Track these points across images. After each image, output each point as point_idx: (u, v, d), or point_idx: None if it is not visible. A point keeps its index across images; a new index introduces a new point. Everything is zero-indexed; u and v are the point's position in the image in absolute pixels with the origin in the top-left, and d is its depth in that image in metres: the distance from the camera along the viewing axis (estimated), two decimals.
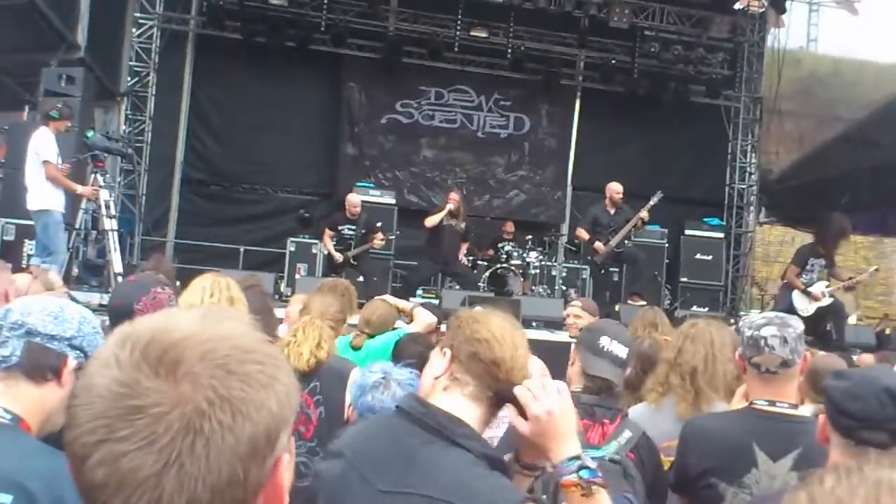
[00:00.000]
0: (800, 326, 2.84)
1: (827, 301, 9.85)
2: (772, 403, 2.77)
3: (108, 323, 2.97)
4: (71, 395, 0.90)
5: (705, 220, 14.25)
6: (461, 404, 1.94)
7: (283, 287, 11.49)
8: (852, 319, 12.10)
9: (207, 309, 0.98)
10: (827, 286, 10.00)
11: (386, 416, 2.02)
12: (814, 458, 2.51)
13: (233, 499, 0.86)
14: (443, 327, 6.03)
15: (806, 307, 9.72)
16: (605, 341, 3.06)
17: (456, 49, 14.39)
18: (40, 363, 1.85)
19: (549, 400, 1.87)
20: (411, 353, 4.37)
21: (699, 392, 3.33)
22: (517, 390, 1.89)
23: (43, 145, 8.00)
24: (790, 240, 15.88)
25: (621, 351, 3.08)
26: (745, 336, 2.86)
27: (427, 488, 1.77)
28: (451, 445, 1.85)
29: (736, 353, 3.00)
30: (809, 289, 9.86)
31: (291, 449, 0.95)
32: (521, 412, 1.89)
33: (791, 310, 9.23)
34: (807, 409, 2.77)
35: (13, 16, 9.03)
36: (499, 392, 1.95)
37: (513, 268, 12.25)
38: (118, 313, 2.92)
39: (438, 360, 2.03)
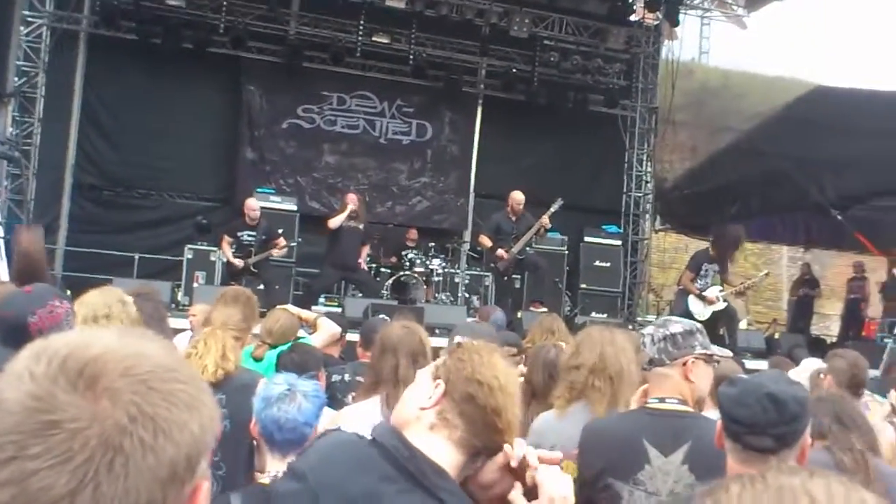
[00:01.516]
0: (676, 328, 2.90)
1: (721, 305, 10.19)
2: (661, 401, 2.84)
3: None
4: None
5: (604, 227, 14.56)
6: (445, 450, 1.75)
7: (180, 296, 11.18)
8: (743, 324, 12.57)
9: (125, 329, 0.94)
10: (720, 290, 10.35)
11: (359, 444, 1.80)
12: (703, 451, 2.59)
13: None
14: (350, 336, 6.01)
15: (702, 311, 10.04)
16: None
17: (358, 54, 14.31)
18: None
19: (565, 486, 1.71)
20: (290, 363, 4.27)
21: (603, 391, 3.33)
22: (540, 475, 1.69)
23: None
24: (684, 247, 16.43)
25: None
26: (644, 339, 2.97)
27: None
28: (431, 499, 1.67)
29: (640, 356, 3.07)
30: (704, 293, 10.19)
31: (209, 477, 0.91)
32: (520, 478, 1.72)
33: (687, 314, 9.51)
34: (713, 414, 2.84)
35: None
36: (487, 445, 1.77)
37: (416, 275, 12.25)
38: (10, 325, 2.78)
39: (426, 390, 1.84)
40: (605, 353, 3.34)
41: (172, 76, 13.38)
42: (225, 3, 13.46)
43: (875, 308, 14.75)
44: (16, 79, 12.67)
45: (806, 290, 15.55)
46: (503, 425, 1.77)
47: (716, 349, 3.05)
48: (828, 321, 17.25)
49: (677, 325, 2.95)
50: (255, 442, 3.36)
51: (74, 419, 0.79)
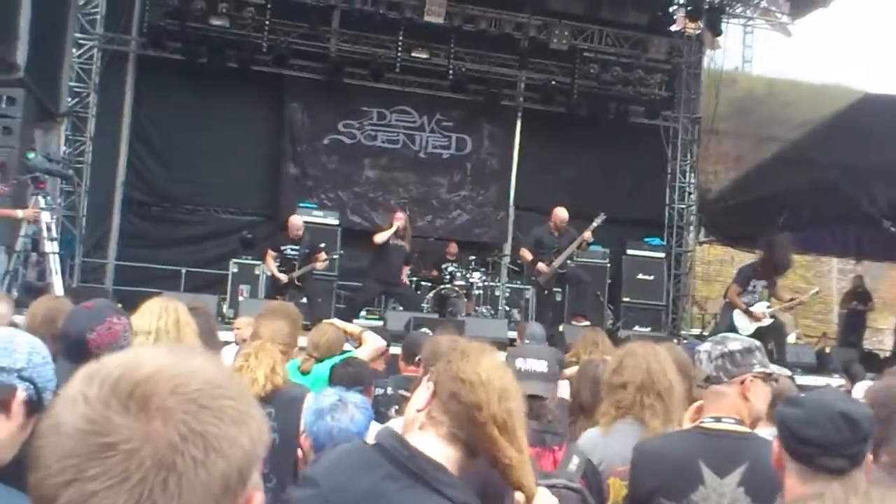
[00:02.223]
0: (735, 346, 2.85)
1: (768, 321, 9.98)
2: (717, 420, 2.79)
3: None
4: (36, 435, 0.87)
5: (646, 239, 14.38)
6: (437, 447, 1.84)
7: (225, 309, 11.37)
8: (791, 338, 12.28)
9: (173, 346, 0.97)
10: (768, 306, 10.12)
11: (364, 448, 1.91)
12: (760, 473, 2.54)
13: None
14: (392, 350, 6.06)
15: (747, 326, 9.83)
16: (520, 363, 3.12)
17: (397, 70, 14.44)
18: None
19: None
20: (345, 376, 4.36)
21: (654, 409, 3.28)
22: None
23: None
24: (729, 259, 16.16)
25: (539, 365, 3.12)
26: (701, 357, 2.92)
27: None
28: (432, 492, 1.76)
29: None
30: (751, 308, 9.98)
31: (261, 487, 0.93)
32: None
33: (732, 329, 9.33)
34: (766, 432, 2.80)
35: None
36: (474, 439, 1.84)
37: (456, 288, 12.28)
38: (71, 341, 2.87)
39: (422, 394, 1.93)
40: (651, 369, 3.30)
41: (217, 94, 13.65)
42: (267, 22, 13.68)
43: None
44: (69, 99, 13.01)
45: (857, 303, 15.09)
46: (484, 419, 1.83)
47: (774, 367, 3.00)
48: (881, 335, 16.77)
49: (736, 342, 2.90)
50: (301, 454, 3.43)
51: (128, 440, 0.82)
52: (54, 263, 8.36)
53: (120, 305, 3.43)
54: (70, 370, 2.20)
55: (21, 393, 1.84)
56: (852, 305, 15.22)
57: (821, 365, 10.57)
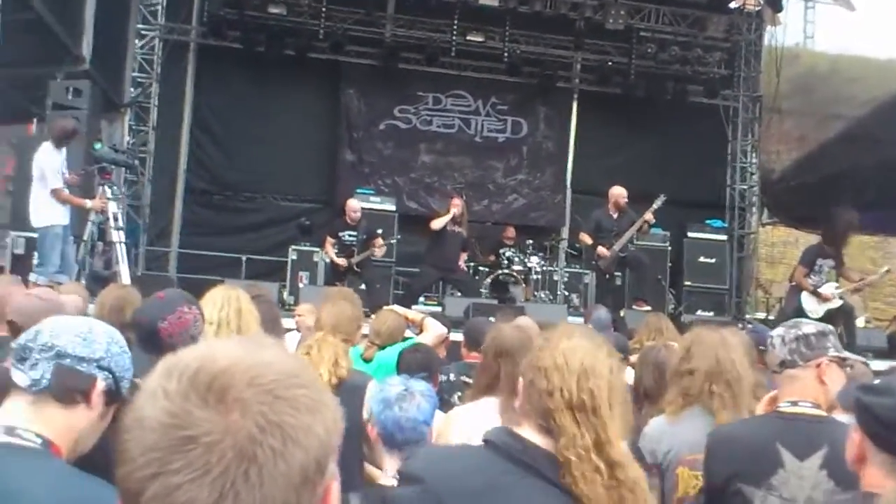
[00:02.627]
0: (809, 329, 2.83)
1: (837, 302, 9.70)
2: (794, 404, 2.76)
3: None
4: (121, 429, 0.89)
5: (708, 222, 14.16)
6: (535, 438, 1.85)
7: (286, 296, 11.51)
8: (860, 322, 11.88)
9: (245, 338, 0.98)
10: (837, 287, 9.85)
11: (472, 448, 1.93)
12: (842, 456, 2.42)
13: None
14: (451, 336, 6.07)
15: (815, 309, 9.57)
16: None
17: (452, 54, 14.41)
18: (70, 386, 1.84)
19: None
20: (415, 363, 4.37)
21: (722, 396, 3.22)
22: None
23: (46, 165, 8.01)
24: (794, 241, 15.79)
25: None
26: (773, 339, 2.90)
27: None
28: (548, 484, 1.78)
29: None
30: (819, 290, 9.72)
31: (338, 476, 0.94)
32: None
33: (800, 312, 9.12)
34: (844, 418, 2.70)
35: (20, 30, 9.02)
36: (552, 427, 1.84)
37: (514, 274, 12.24)
38: (144, 330, 2.95)
39: (519, 387, 1.96)
40: (719, 357, 3.23)
41: (275, 82, 13.78)
42: (324, 9, 13.77)
43: None
44: (132, 90, 13.28)
45: None
46: (555, 405, 1.83)
47: (847, 353, 2.94)
48: None
49: (810, 325, 2.87)
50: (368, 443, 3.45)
51: (208, 433, 0.83)
52: (121, 252, 8.53)
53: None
54: (144, 359, 2.24)
55: (101, 383, 1.87)
56: None
57: (892, 349, 10.27)
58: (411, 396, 2.90)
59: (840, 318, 9.54)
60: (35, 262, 8.30)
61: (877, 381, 2.23)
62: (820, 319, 8.83)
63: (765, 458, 2.71)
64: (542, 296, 12.28)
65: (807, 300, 9.72)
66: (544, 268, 12.60)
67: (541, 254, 12.82)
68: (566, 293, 12.65)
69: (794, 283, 10.16)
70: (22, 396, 1.82)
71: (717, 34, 14.76)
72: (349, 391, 3.71)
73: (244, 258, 12.99)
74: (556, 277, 12.74)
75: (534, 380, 1.88)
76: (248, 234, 13.83)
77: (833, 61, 16.33)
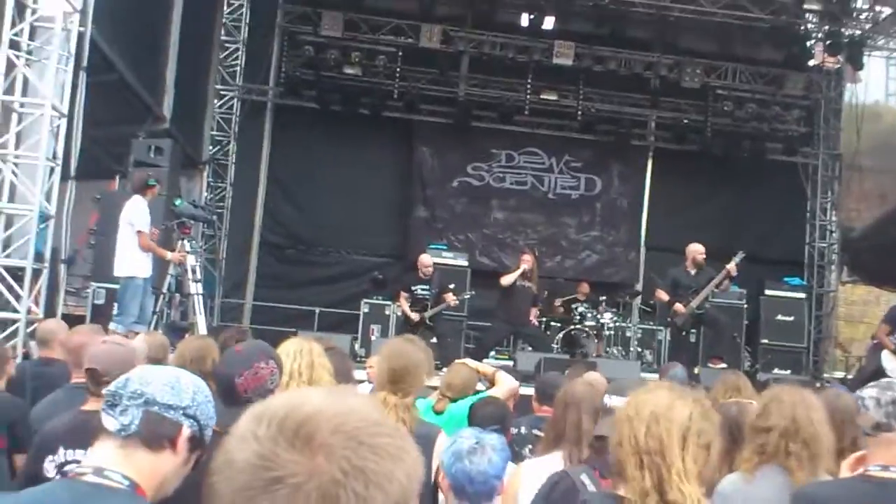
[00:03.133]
0: None
1: None
2: (885, 468, 2.65)
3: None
4: (211, 471, 0.93)
5: (786, 279, 13.84)
6: None
7: (357, 348, 11.57)
8: None
9: (330, 388, 1.01)
10: None
11: None
12: None
13: None
14: (523, 391, 6.00)
15: (893, 366, 9.28)
16: (606, 399, 3.10)
17: (526, 112, 14.56)
18: (158, 432, 1.89)
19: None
20: (488, 416, 4.33)
21: (799, 456, 3.12)
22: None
23: (136, 214, 8.25)
24: (874, 299, 15.38)
25: (619, 402, 3.06)
26: (867, 401, 2.80)
27: None
28: None
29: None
30: None
31: None
32: None
33: (880, 371, 8.83)
34: None
35: (104, 91, 9.43)
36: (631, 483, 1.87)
37: (586, 329, 12.12)
38: (222, 383, 3.03)
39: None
40: (797, 415, 3.13)
41: (350, 140, 14.10)
42: (398, 69, 14.08)
43: None
44: (210, 147, 13.76)
45: None
46: (623, 455, 1.87)
47: None
48: None
49: None
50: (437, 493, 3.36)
51: (294, 475, 0.86)
52: (198, 304, 8.74)
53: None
54: (223, 410, 2.29)
55: (186, 430, 1.92)
56: None
57: None
58: (482, 450, 2.89)
59: None
60: (115, 312, 8.52)
61: None
62: None
63: None
64: (615, 352, 12.11)
65: (888, 359, 9.39)
66: (617, 324, 12.46)
67: (614, 310, 12.71)
68: (639, 349, 12.45)
69: (875, 342, 9.82)
70: (111, 440, 1.88)
71: (795, 92, 14.60)
72: (417, 442, 3.67)
73: (317, 310, 13.18)
74: (628, 334, 12.59)
75: (612, 436, 1.90)
76: (320, 287, 14.07)
77: None
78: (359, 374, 6.86)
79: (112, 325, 7.96)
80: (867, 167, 14.63)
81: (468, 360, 5.78)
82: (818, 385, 7.90)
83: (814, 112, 15.09)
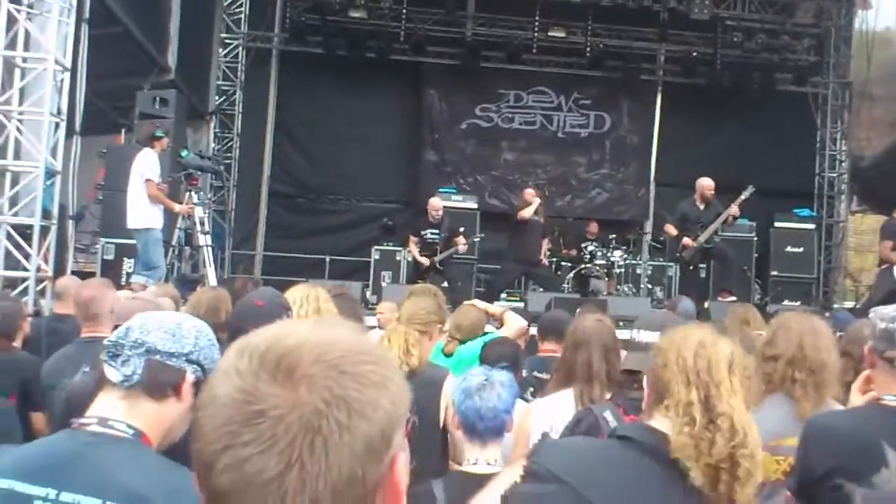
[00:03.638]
0: None
1: None
2: None
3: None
4: (195, 407, 0.94)
5: (795, 211, 13.80)
6: (666, 428, 1.83)
7: (369, 295, 11.65)
8: None
9: (316, 319, 1.02)
10: None
11: (614, 444, 1.87)
12: None
13: (353, 497, 0.88)
14: (532, 330, 6.04)
15: None
16: (633, 333, 3.15)
17: (534, 51, 14.40)
18: (161, 380, 1.90)
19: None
20: (499, 355, 4.34)
21: (804, 384, 3.09)
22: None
23: (147, 166, 8.26)
24: None
25: (648, 337, 3.09)
26: (877, 328, 2.69)
27: None
28: (687, 482, 1.73)
29: (865, 346, 2.81)
30: None
31: (406, 448, 0.96)
32: None
33: (893, 291, 8.65)
34: None
35: (109, 43, 9.36)
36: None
37: (597, 268, 12.16)
38: (236, 335, 3.00)
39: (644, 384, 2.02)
40: (804, 343, 3.10)
41: (357, 85, 14.01)
42: (404, 11, 13.93)
43: None
44: (216, 98, 13.70)
45: None
46: (670, 375, 1.84)
47: None
48: None
49: None
50: (446, 435, 3.43)
51: (276, 407, 0.86)
52: (208, 256, 8.79)
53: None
54: None
55: (190, 376, 1.93)
56: None
57: None
58: (491, 386, 2.91)
59: None
60: (138, 265, 8.53)
61: None
62: None
63: (868, 454, 2.54)
64: (626, 289, 12.15)
65: None
66: (627, 261, 12.49)
67: (624, 248, 12.75)
68: (650, 286, 12.47)
69: (884, 266, 9.57)
70: (115, 391, 1.90)
71: (805, 20, 14.41)
72: (425, 385, 3.68)
73: (328, 259, 13.24)
74: (639, 271, 12.57)
75: (653, 366, 1.90)
76: (331, 235, 14.09)
77: None
78: (370, 321, 6.93)
79: (137, 279, 8.00)
80: (878, 95, 14.41)
81: (476, 301, 5.81)
82: (827, 314, 7.82)
83: (824, 40, 14.85)
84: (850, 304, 12.73)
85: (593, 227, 13.36)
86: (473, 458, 2.86)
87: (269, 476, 0.85)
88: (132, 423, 1.87)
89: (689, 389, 1.81)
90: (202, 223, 8.88)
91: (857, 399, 2.91)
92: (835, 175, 14.95)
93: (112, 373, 1.90)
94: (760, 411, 3.05)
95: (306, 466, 0.85)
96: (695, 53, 14.64)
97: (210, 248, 8.90)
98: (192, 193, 8.83)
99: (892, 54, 15.40)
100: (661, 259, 12.90)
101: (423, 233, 11.02)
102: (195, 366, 1.94)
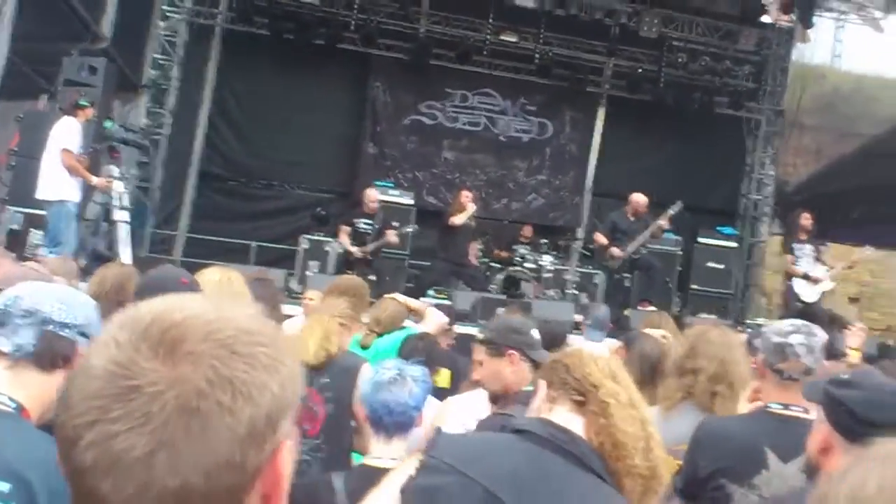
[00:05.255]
0: (824, 336, 2.88)
1: (830, 284, 9.82)
2: (786, 407, 2.78)
3: None
4: (67, 377, 0.88)
5: (719, 228, 14.07)
6: (571, 425, 1.87)
7: (293, 284, 11.41)
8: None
9: (212, 297, 0.98)
10: (827, 270, 9.99)
11: (510, 437, 1.85)
12: None
13: (229, 483, 0.83)
14: (455, 328, 6.04)
15: (809, 293, 9.69)
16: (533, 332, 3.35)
17: (485, 53, 14.42)
18: (54, 351, 1.86)
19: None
20: (414, 349, 4.40)
21: (724, 396, 3.28)
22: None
23: (66, 135, 7.98)
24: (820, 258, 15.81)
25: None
26: (770, 342, 2.87)
27: None
28: (596, 477, 1.76)
29: (756, 357, 3.00)
30: (809, 273, 9.85)
31: (294, 437, 0.91)
32: None
33: (797, 300, 9.20)
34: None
35: (40, 4, 9.03)
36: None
37: (526, 271, 12.27)
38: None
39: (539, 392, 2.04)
40: (725, 358, 3.29)
41: (301, 71, 13.81)
42: (357, 0, 13.75)
43: None
44: (152, 71, 13.31)
45: None
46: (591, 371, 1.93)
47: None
48: None
49: (818, 330, 2.91)
50: (354, 424, 3.42)
51: (153, 383, 0.82)
52: (124, 233, 8.49)
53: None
54: None
55: (82, 348, 1.87)
56: None
57: (881, 356, 10.29)
58: (403, 381, 2.89)
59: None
60: (45, 239, 8.18)
61: (847, 375, 2.27)
62: (814, 304, 8.96)
63: (751, 457, 2.72)
64: (552, 294, 12.25)
65: (799, 285, 9.81)
66: (557, 267, 12.60)
67: (554, 253, 12.90)
68: (576, 292, 12.61)
69: (789, 283, 10.25)
70: (1, 360, 1.85)
71: (747, 47, 14.71)
72: (342, 373, 3.72)
73: (254, 245, 12.97)
74: (566, 276, 12.71)
75: (557, 363, 1.96)
76: (260, 221, 13.82)
77: (857, 80, 16.35)
78: (293, 309, 6.84)
79: (44, 252, 7.72)
80: (807, 124, 14.93)
81: (397, 295, 5.80)
82: (739, 329, 8.18)
83: (763, 68, 15.24)
84: (761, 320, 13.13)
85: (527, 231, 13.49)
86: (377, 452, 2.84)
87: (136, 455, 0.80)
88: (14, 396, 1.82)
89: (615, 385, 1.88)
90: (120, 199, 8.56)
91: (745, 407, 3.12)
92: (760, 198, 15.29)
93: (1, 342, 1.84)
94: (671, 419, 3.26)
95: (179, 448, 0.81)
96: (640, 70, 14.86)
97: (127, 225, 8.57)
98: (112, 167, 8.51)
99: (825, 88, 15.89)
100: (590, 266, 13.06)
101: (355, 222, 10.92)
102: (87, 339, 1.90)
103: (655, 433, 1.89)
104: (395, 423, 2.83)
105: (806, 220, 10.66)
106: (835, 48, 16.01)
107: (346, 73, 14.40)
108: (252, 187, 14.12)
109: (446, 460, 1.73)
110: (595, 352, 2.05)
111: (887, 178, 13.22)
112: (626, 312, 10.14)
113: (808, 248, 10.13)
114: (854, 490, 0.99)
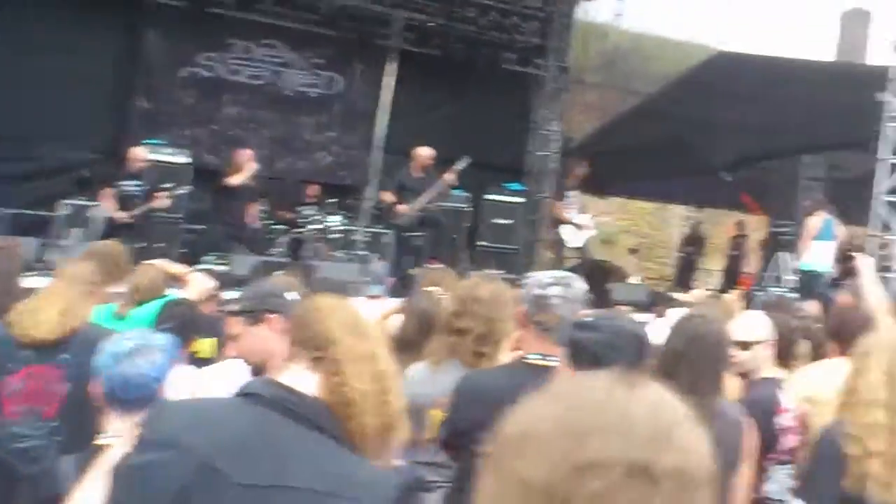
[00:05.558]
0: (583, 287, 2.99)
1: (593, 231, 10.32)
2: (544, 357, 2.85)
3: None
4: None
5: (505, 185, 14.32)
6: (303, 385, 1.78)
7: (52, 254, 10.35)
8: (635, 279, 13.05)
9: None
10: (592, 217, 10.47)
11: (223, 400, 1.84)
12: None
13: None
14: (223, 294, 5.78)
15: (576, 239, 10.13)
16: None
17: (268, 1, 13.66)
18: None
19: None
20: (168, 316, 4.24)
21: (489, 356, 3.37)
22: None
23: None
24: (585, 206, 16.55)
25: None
26: (531, 294, 2.95)
27: (308, 481, 1.59)
28: (329, 438, 1.69)
29: (520, 309, 3.05)
30: (574, 220, 10.26)
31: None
32: None
33: (562, 243, 9.47)
34: None
35: None
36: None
37: (312, 232, 11.91)
38: None
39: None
40: (492, 318, 3.37)
41: (61, 16, 12.37)
42: None
43: (753, 264, 15.63)
44: None
45: (691, 247, 16.77)
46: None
47: None
48: (711, 277, 17.62)
49: (577, 282, 3.00)
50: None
51: None
52: None
53: None
54: None
55: None
56: (686, 250, 16.86)
57: (652, 304, 10.97)
58: (147, 350, 2.64)
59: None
60: None
61: (587, 319, 2.46)
62: (580, 248, 9.46)
63: (506, 408, 2.63)
64: (340, 255, 11.98)
65: (566, 231, 10.27)
66: (345, 227, 12.38)
67: (343, 213, 12.64)
68: (366, 252, 12.41)
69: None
70: None
71: (534, 4, 14.91)
72: (84, 347, 3.39)
73: (6, 212, 11.53)
74: (355, 237, 12.47)
75: (298, 318, 1.92)
76: (11, 185, 12.13)
77: (636, 39, 17.17)
78: (41, 280, 6.21)
79: None
80: (592, 82, 15.48)
81: (158, 261, 5.69)
82: (519, 283, 8.38)
83: (548, 25, 15.44)
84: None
85: (313, 191, 13.09)
86: (114, 430, 2.56)
87: None
88: None
89: (354, 339, 1.84)
90: None
91: (505, 357, 3.25)
92: (546, 154, 15.54)
93: None
94: (439, 374, 3.42)
95: None
96: (430, 24, 14.69)
97: None
98: None
99: (607, 46, 16.52)
100: (379, 226, 12.86)
101: (121, 184, 10.09)
102: None
103: (395, 387, 1.87)
104: (134, 397, 2.57)
105: (580, 169, 11.14)
106: (617, 7, 16.66)
107: (114, 20, 13.06)
108: (1, 148, 12.33)
109: (162, 433, 1.66)
110: (344, 305, 2.00)
111: (657, 136, 13.96)
112: (412, 271, 10.10)
113: (576, 197, 10.56)
114: (521, 426, 1.02)
